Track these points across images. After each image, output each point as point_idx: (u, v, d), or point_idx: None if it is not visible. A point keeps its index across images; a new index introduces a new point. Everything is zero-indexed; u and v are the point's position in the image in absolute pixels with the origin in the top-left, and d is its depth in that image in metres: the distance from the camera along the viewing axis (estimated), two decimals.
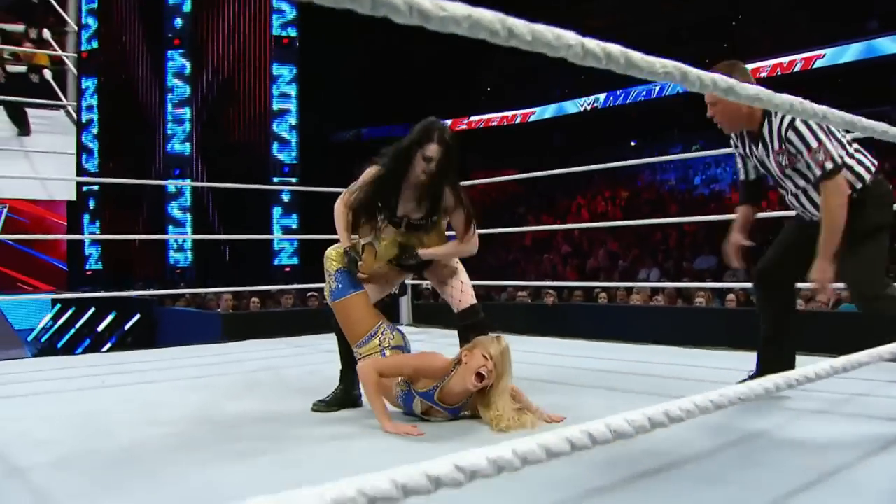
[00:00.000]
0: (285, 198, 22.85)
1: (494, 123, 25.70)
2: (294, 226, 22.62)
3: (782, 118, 2.94)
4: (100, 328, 11.69)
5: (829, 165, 2.84)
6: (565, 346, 5.39)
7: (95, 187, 22.32)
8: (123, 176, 20.21)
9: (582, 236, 18.71)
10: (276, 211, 22.91)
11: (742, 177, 3.38)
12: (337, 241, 3.39)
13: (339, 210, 3.35)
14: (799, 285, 3.35)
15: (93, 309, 12.13)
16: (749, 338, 3.53)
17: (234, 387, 3.91)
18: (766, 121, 3.01)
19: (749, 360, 3.45)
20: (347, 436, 2.87)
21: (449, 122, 25.67)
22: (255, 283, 12.60)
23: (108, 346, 10.90)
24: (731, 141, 3.29)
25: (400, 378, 3.02)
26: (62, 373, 4.47)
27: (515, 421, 2.85)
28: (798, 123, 2.89)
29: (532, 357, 4.54)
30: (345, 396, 3.35)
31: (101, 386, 3.99)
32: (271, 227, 22.47)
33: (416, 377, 2.99)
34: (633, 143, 23.32)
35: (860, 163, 2.98)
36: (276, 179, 22.57)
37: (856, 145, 3.06)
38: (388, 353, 3.13)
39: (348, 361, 3.34)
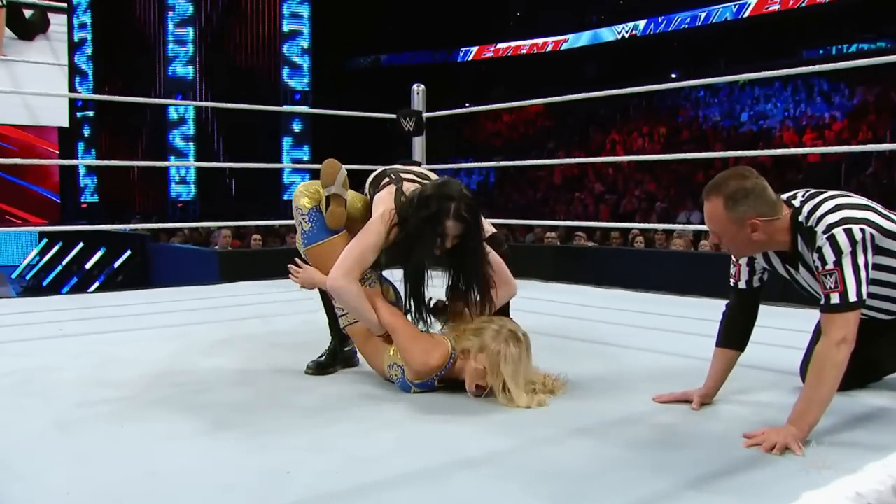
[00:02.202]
0: (296, 128, 22.42)
1: (523, 51, 25.05)
2: (305, 158, 22.23)
3: (816, 223, 2.23)
4: (88, 265, 11.34)
5: (834, 300, 2.15)
6: (599, 297, 4.98)
7: (90, 113, 21.96)
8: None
9: (616, 175, 18.24)
10: (287, 142, 22.52)
11: (743, 283, 2.50)
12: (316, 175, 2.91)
13: (353, 292, 2.65)
14: None
15: (81, 244, 11.77)
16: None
17: (213, 338, 3.54)
18: (797, 234, 2.30)
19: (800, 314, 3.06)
20: (334, 406, 2.50)
21: (475, 48, 24.89)
22: (263, 220, 12.25)
23: (97, 285, 10.57)
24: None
25: (394, 362, 2.64)
26: (17, 318, 4.10)
27: (532, 399, 2.49)
28: (836, 232, 2.18)
29: (563, 309, 4.15)
30: (338, 355, 2.97)
31: (57, 335, 3.62)
32: (281, 159, 22.10)
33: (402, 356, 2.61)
34: (673, 75, 22.59)
35: None
36: (286, 108, 22.13)
37: None
38: None
39: (334, 315, 2.93)
